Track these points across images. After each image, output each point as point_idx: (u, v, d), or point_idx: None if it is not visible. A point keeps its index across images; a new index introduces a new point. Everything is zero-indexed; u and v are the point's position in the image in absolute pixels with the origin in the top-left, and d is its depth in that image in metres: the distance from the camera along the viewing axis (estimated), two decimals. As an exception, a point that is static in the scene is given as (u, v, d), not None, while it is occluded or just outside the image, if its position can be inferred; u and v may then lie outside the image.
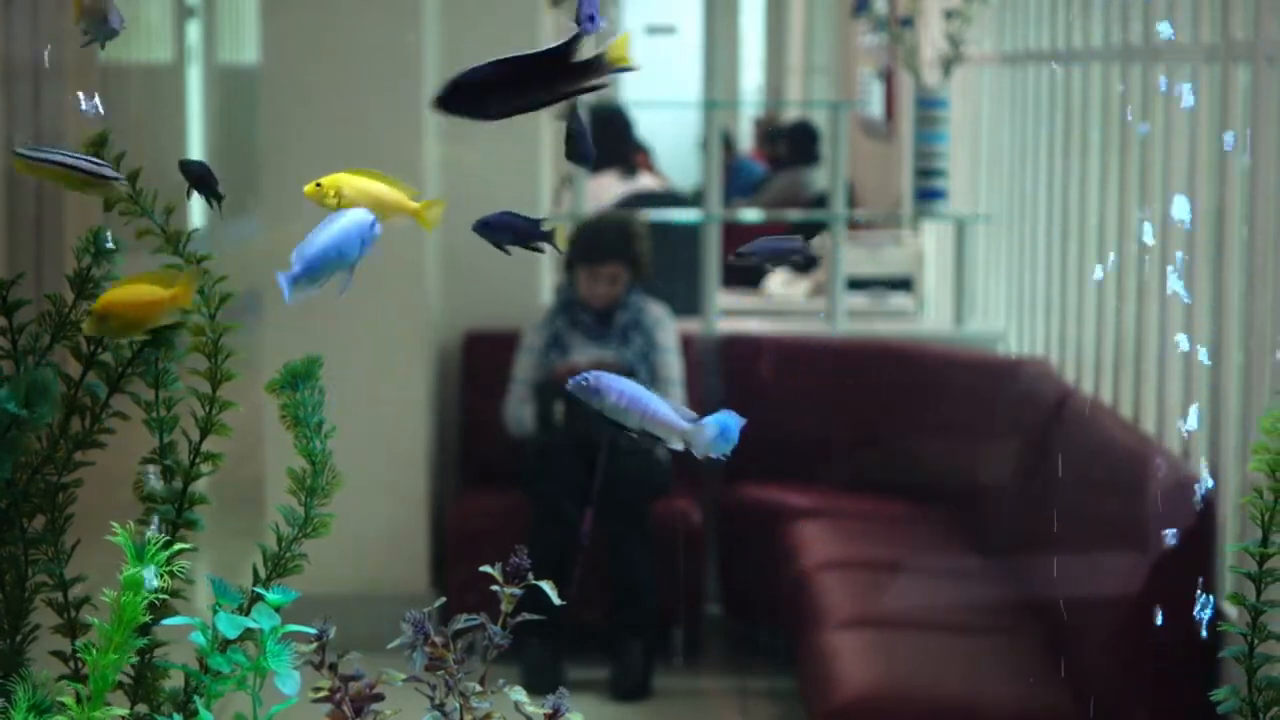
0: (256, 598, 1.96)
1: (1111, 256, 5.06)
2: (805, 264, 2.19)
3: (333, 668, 1.91)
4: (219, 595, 1.92)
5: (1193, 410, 2.37)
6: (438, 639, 1.92)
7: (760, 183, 10.94)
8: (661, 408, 1.90)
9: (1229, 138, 2.18)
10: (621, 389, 1.90)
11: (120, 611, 1.79)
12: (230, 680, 1.92)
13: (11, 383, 2.05)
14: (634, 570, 5.88)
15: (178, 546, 1.82)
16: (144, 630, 1.87)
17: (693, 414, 1.91)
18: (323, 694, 1.90)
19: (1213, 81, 4.39)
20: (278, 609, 1.92)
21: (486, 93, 1.80)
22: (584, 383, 1.91)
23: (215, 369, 2.13)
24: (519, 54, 1.80)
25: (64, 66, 6.54)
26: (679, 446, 1.91)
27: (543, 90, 1.80)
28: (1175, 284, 4.24)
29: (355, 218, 1.85)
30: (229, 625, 1.89)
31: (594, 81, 1.79)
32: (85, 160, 2.04)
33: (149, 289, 2.06)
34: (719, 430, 1.91)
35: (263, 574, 2.06)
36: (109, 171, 2.04)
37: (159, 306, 2.06)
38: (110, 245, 2.14)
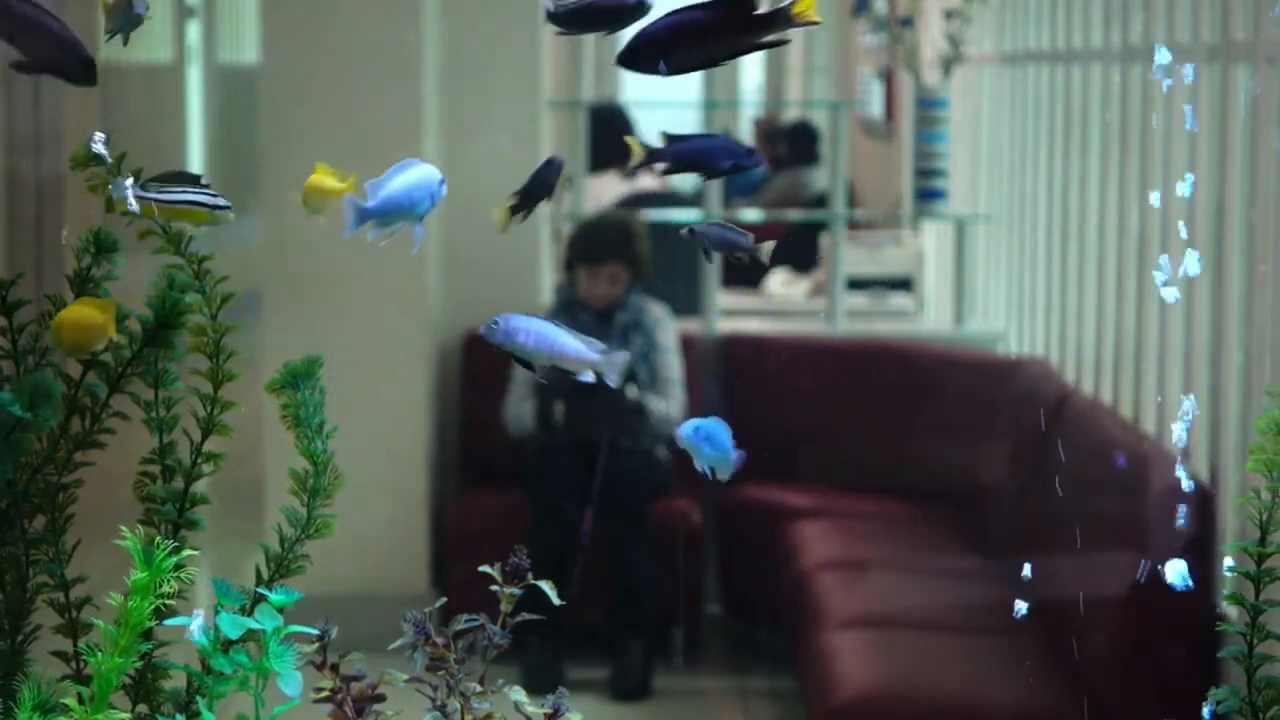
0: (259, 598, 1.96)
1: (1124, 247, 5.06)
2: (752, 264, 2.15)
3: (334, 668, 1.91)
4: (221, 596, 1.92)
5: (1181, 424, 2.37)
6: (438, 639, 1.92)
7: (760, 183, 10.94)
8: (570, 342, 1.90)
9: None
10: (529, 328, 1.89)
11: (126, 616, 1.79)
12: (233, 681, 1.92)
13: (14, 385, 2.05)
14: (634, 570, 5.88)
15: (186, 552, 1.82)
16: (146, 633, 1.87)
17: (603, 345, 1.91)
18: (324, 694, 1.91)
19: (1213, 81, 4.39)
20: (280, 610, 1.92)
21: (667, 48, 1.78)
22: (493, 326, 1.90)
23: (216, 369, 2.13)
24: (696, 5, 1.76)
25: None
26: (590, 378, 1.90)
27: (724, 43, 1.77)
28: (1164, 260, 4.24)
29: (426, 173, 1.83)
30: (231, 626, 1.89)
31: (776, 36, 1.75)
32: (204, 194, 1.98)
33: (90, 313, 2.05)
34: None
35: (265, 574, 2.06)
36: (223, 201, 1.99)
37: (92, 330, 2.04)
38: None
